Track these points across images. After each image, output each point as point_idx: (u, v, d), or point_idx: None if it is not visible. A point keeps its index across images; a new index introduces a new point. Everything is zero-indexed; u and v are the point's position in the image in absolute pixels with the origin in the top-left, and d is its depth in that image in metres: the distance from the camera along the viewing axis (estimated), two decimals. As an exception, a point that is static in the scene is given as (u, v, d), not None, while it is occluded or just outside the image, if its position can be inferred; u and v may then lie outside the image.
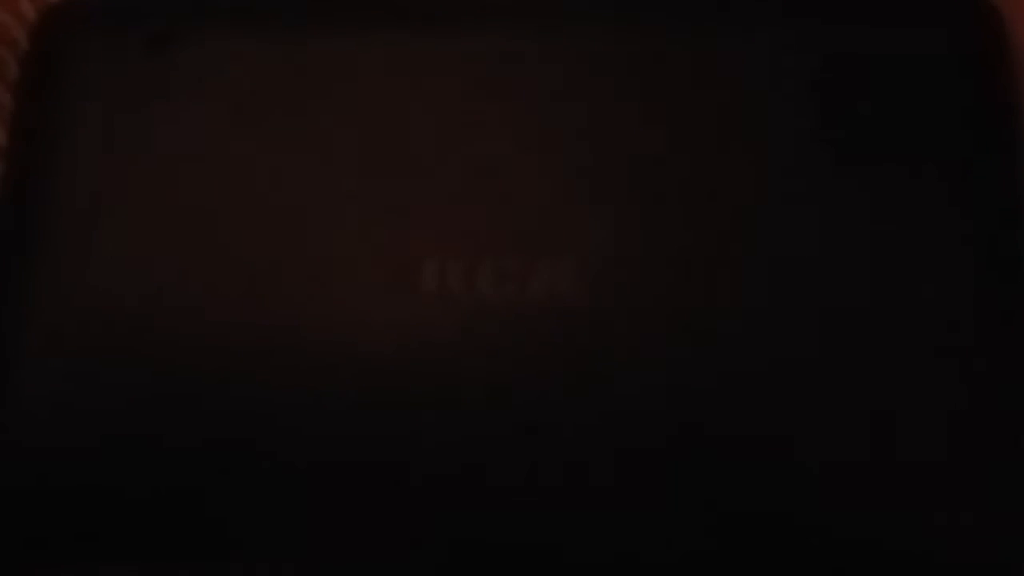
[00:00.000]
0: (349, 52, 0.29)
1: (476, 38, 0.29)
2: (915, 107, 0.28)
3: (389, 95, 0.29)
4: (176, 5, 0.31)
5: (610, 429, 0.26)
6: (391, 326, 0.27)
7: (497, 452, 0.26)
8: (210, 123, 0.29)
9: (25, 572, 0.26)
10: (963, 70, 0.28)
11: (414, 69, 0.29)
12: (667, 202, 0.28)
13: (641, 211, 0.28)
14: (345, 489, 0.26)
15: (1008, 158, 0.28)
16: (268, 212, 0.28)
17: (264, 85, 0.29)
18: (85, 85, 0.29)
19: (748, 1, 0.30)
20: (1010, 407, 0.26)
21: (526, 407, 0.26)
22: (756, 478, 0.26)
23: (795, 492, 0.26)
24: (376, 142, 0.28)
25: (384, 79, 0.29)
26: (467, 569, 0.26)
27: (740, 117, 0.28)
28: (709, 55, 0.29)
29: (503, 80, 0.29)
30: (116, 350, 0.27)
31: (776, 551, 0.26)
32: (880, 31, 0.29)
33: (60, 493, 0.26)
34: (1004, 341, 0.27)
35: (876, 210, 0.27)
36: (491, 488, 0.26)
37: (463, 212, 0.28)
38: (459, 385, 0.27)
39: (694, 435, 0.26)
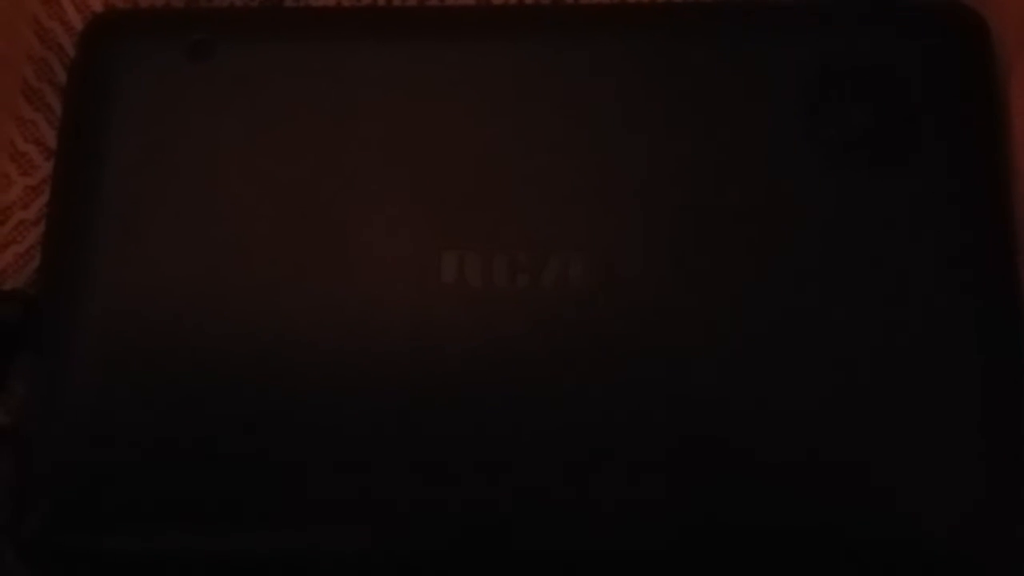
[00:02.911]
0: (377, 60, 0.30)
1: (492, 46, 0.31)
2: (905, 113, 0.29)
3: (415, 100, 0.30)
4: (216, 15, 0.33)
5: (619, 415, 0.27)
6: (414, 313, 0.28)
7: (510, 436, 0.27)
8: (246, 128, 0.30)
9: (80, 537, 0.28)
10: (950, 77, 0.29)
11: (439, 77, 0.30)
12: (670, 200, 0.29)
13: (646, 208, 0.29)
14: (367, 469, 0.27)
15: (991, 162, 0.29)
16: (303, 211, 0.29)
17: (296, 91, 0.30)
18: (129, 91, 0.30)
19: (747, 12, 0.31)
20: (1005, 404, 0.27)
21: (538, 392, 0.28)
22: (756, 472, 0.27)
23: (796, 487, 0.27)
24: (401, 145, 0.30)
25: (411, 85, 0.30)
26: (480, 546, 0.27)
27: (739, 121, 0.29)
28: (710, 63, 0.30)
29: (517, 87, 0.30)
30: (160, 340, 0.28)
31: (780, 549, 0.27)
32: (871, 41, 0.30)
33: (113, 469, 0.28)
34: (997, 340, 0.28)
35: (867, 214, 0.28)
36: (506, 467, 0.27)
37: (481, 209, 0.29)
38: (475, 369, 0.28)
39: (696, 423, 0.27)
